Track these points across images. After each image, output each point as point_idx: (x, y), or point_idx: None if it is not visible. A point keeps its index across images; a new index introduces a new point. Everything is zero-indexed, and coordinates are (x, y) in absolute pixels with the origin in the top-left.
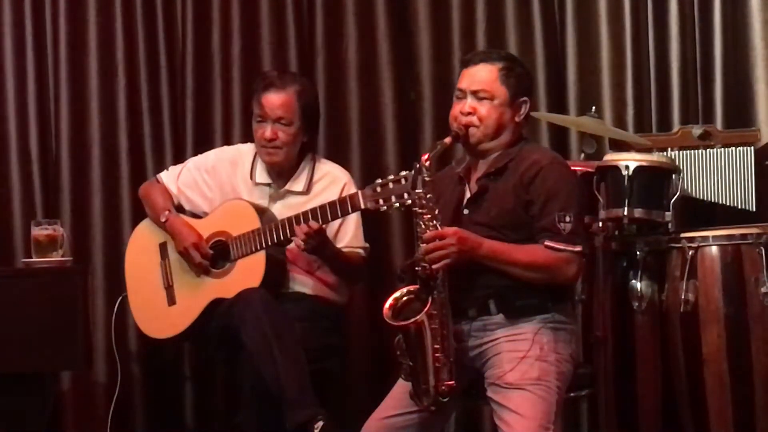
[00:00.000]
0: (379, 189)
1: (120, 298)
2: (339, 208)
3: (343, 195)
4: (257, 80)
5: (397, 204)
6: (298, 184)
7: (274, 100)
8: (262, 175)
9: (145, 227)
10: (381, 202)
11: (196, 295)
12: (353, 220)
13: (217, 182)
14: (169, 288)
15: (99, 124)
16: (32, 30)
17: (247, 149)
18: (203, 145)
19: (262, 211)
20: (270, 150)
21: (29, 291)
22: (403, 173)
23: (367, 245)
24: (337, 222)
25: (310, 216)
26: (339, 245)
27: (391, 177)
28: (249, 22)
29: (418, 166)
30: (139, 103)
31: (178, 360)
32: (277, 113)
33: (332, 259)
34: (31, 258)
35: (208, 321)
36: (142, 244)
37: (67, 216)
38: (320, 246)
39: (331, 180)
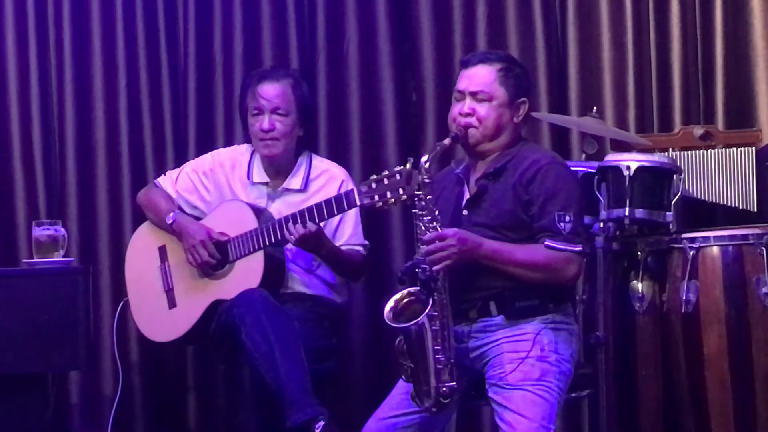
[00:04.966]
0: (374, 185)
1: (122, 303)
2: (335, 205)
3: (340, 192)
4: (249, 76)
5: (393, 200)
6: (295, 181)
7: (269, 90)
8: (259, 175)
9: (143, 231)
10: (376, 198)
11: (197, 297)
12: (352, 217)
13: (215, 185)
14: (169, 291)
15: (103, 124)
16: (35, 30)
17: (244, 149)
18: (205, 145)
19: (259, 212)
20: (268, 142)
21: (31, 291)
22: (398, 168)
23: (367, 243)
24: (335, 219)
25: (306, 214)
26: (338, 243)
27: (386, 173)
28: (250, 22)
29: (412, 160)
30: (140, 103)
31: (180, 363)
32: (275, 103)
33: (330, 258)
34: (33, 258)
35: (209, 323)
36: (142, 248)
37: (74, 216)
38: (317, 245)
39: (328, 177)
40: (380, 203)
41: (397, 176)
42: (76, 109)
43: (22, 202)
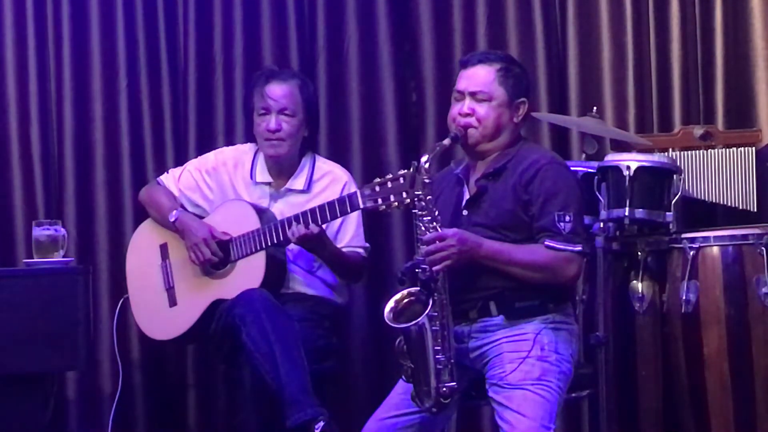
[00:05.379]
0: (377, 188)
1: (122, 300)
2: (338, 207)
3: (343, 194)
4: (256, 75)
5: (396, 203)
6: (298, 182)
7: (277, 90)
8: (262, 174)
9: (145, 229)
10: (380, 201)
11: (197, 296)
12: (354, 219)
13: (218, 183)
14: (170, 289)
15: (102, 124)
16: (34, 30)
17: (247, 149)
18: (205, 145)
19: (262, 212)
20: (274, 142)
21: (31, 291)
22: (402, 172)
23: (368, 245)
24: (337, 221)
25: (309, 216)
26: (339, 245)
27: (390, 176)
28: (250, 22)
29: (416, 164)
30: (140, 103)
31: (180, 362)
32: (282, 103)
33: (331, 259)
34: (33, 259)
35: (210, 322)
36: (143, 246)
37: (73, 216)
38: (319, 246)
39: (331, 179)
40: (383, 206)
41: (401, 180)
42: (75, 108)
43: (20, 202)
